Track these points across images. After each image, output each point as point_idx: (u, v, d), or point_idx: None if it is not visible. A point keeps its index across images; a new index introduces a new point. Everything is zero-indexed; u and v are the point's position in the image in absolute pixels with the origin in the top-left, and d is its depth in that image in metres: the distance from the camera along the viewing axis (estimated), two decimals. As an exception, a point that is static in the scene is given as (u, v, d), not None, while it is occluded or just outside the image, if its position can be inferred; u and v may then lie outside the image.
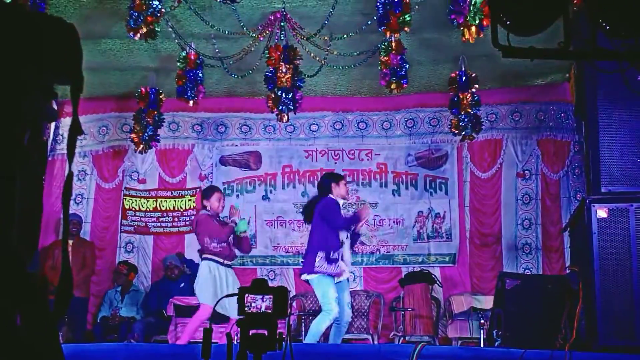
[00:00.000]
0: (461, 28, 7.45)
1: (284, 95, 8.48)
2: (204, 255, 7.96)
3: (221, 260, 7.87)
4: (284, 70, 8.43)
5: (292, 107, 8.53)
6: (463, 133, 9.28)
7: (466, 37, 7.42)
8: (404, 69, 8.40)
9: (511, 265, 10.41)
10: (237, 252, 8.23)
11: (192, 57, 8.87)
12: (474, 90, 9.16)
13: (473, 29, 7.32)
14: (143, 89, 9.68)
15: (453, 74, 9.23)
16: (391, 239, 10.78)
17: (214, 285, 7.79)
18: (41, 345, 1.68)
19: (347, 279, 7.65)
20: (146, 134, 9.60)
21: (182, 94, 8.92)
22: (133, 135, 9.74)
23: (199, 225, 8.09)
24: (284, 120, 8.80)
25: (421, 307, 9.73)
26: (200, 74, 8.94)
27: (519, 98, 10.69)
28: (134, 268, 10.47)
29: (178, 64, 8.90)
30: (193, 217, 10.76)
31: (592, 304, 5.69)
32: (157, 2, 7.76)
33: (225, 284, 7.77)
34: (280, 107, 8.54)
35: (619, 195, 5.84)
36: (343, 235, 7.54)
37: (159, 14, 7.85)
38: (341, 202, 7.72)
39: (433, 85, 10.37)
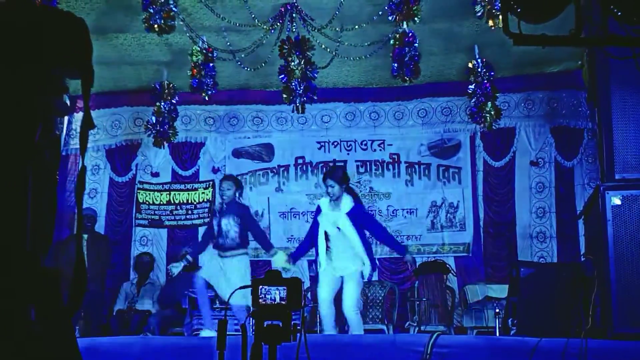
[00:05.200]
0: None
1: (298, 86, 8.47)
2: None
3: (219, 252, 8.01)
4: (296, 62, 8.42)
5: (307, 99, 8.52)
6: (484, 121, 9.24)
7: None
8: (415, 59, 8.37)
9: (525, 253, 10.37)
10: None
11: (206, 51, 8.87)
12: (490, 78, 9.15)
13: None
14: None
15: (470, 64, 9.21)
16: (405, 229, 10.76)
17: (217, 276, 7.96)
18: (56, 339, 1.69)
19: (343, 275, 7.64)
20: (164, 127, 9.69)
21: (197, 88, 8.93)
22: (144, 127, 9.82)
23: None
24: (301, 112, 8.78)
25: (436, 296, 9.74)
26: (213, 67, 8.95)
27: (531, 86, 10.63)
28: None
29: (192, 57, 8.90)
30: (207, 210, 10.84)
31: (608, 291, 5.66)
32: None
33: (224, 274, 7.87)
34: (297, 99, 8.52)
35: (633, 182, 5.79)
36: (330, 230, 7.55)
37: (174, 10, 7.91)
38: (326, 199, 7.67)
39: (445, 74, 10.34)
